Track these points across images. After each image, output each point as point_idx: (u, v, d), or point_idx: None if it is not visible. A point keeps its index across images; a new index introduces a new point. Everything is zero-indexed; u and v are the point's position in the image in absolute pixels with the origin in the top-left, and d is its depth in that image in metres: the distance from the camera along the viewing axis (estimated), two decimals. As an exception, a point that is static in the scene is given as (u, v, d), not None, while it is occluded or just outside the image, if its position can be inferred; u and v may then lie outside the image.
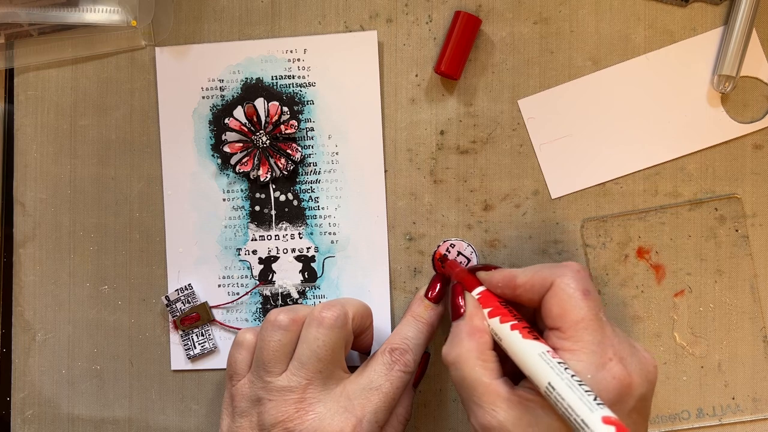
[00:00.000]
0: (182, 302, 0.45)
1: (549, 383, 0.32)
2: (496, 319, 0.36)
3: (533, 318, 0.38)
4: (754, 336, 0.43)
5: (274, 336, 0.38)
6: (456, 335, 0.36)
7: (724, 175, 0.43)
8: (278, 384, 0.38)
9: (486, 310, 0.37)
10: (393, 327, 0.44)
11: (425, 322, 0.41)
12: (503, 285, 0.37)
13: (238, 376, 0.40)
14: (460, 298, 0.38)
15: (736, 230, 0.43)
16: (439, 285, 0.42)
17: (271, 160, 0.44)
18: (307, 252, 0.45)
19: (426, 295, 0.42)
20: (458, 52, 0.43)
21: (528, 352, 0.33)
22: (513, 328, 0.35)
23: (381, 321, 0.44)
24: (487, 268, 0.39)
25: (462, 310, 0.37)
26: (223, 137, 0.45)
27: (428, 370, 0.44)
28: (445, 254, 0.44)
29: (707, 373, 0.43)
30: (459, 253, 0.44)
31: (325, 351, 0.38)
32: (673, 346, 0.43)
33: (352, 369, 0.40)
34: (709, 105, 0.43)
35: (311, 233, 0.45)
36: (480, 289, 0.38)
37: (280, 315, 0.39)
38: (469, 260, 0.44)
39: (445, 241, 0.44)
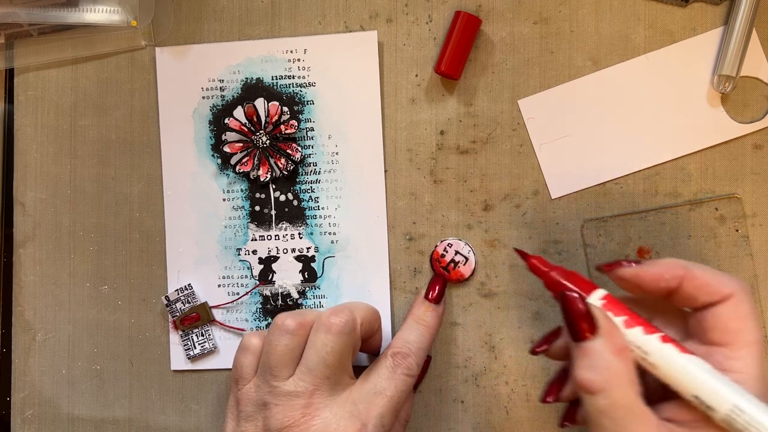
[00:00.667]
0: (182, 302, 0.45)
1: (736, 405, 0.28)
2: (637, 330, 0.31)
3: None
4: (754, 336, 0.43)
5: (282, 340, 0.38)
6: (596, 356, 0.30)
7: (724, 175, 0.43)
8: (285, 389, 0.37)
9: (619, 319, 0.31)
10: (393, 327, 0.44)
11: (426, 325, 0.41)
12: (670, 277, 0.31)
13: (244, 380, 0.39)
14: (581, 305, 0.31)
15: (737, 230, 0.43)
16: (438, 286, 0.42)
17: (271, 160, 0.44)
18: (307, 252, 0.45)
19: (426, 296, 0.42)
20: (458, 52, 0.43)
21: (692, 371, 0.29)
22: (664, 340, 0.30)
23: (381, 321, 0.44)
24: (618, 264, 0.33)
25: (595, 324, 0.31)
26: (223, 137, 0.45)
27: (429, 371, 0.44)
28: (442, 254, 0.44)
29: (707, 373, 0.43)
30: (457, 252, 0.44)
31: (333, 357, 0.37)
32: (673, 346, 0.43)
33: (360, 369, 0.40)
34: (709, 105, 0.43)
35: (311, 233, 0.45)
36: (601, 293, 0.32)
37: (287, 319, 0.39)
38: (467, 259, 0.44)
39: (442, 241, 0.44)
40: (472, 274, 0.44)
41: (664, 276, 0.32)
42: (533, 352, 0.37)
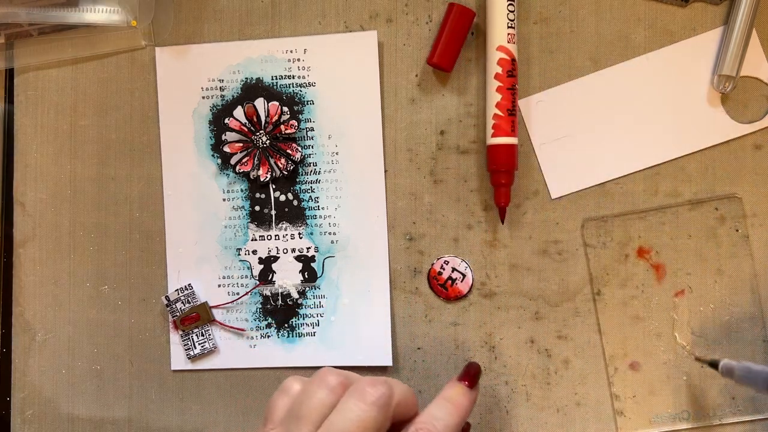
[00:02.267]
0: (182, 302, 0.45)
1: None
2: None
3: None
4: (754, 336, 0.43)
5: (318, 394, 0.35)
6: None
7: (724, 175, 0.43)
8: None
9: None
10: (393, 327, 0.44)
11: (456, 405, 0.38)
12: None
13: (272, 423, 0.36)
14: None
15: (737, 230, 0.43)
16: (473, 371, 0.39)
17: (271, 160, 0.44)
18: (307, 252, 0.45)
19: (460, 380, 0.39)
20: (451, 43, 0.43)
21: None
22: None
23: (381, 321, 0.44)
24: None
25: None
26: (223, 137, 0.45)
27: (429, 371, 0.44)
28: (439, 272, 0.44)
29: (707, 374, 0.43)
30: (454, 269, 0.44)
31: (358, 428, 0.34)
32: (674, 346, 0.43)
33: None
34: (709, 105, 0.43)
35: (311, 233, 0.45)
36: None
37: (330, 375, 0.36)
38: (464, 276, 0.44)
39: (438, 259, 0.44)
40: (470, 290, 0.44)
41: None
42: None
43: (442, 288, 0.44)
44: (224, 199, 0.45)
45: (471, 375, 0.39)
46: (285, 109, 0.44)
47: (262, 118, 0.44)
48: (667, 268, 0.43)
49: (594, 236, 0.44)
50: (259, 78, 0.45)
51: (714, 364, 0.41)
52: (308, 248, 0.45)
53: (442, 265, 0.44)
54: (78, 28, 0.45)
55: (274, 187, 0.45)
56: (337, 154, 0.44)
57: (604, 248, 0.44)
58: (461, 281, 0.44)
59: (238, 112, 0.44)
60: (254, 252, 0.45)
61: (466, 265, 0.44)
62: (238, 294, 0.45)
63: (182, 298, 0.45)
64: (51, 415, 0.46)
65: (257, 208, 0.45)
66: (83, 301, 0.46)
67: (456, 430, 0.37)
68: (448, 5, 0.43)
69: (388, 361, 0.44)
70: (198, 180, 0.45)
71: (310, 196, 0.45)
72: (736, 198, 0.43)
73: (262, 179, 0.44)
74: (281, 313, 0.45)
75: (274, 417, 0.37)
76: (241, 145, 0.45)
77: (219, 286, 0.45)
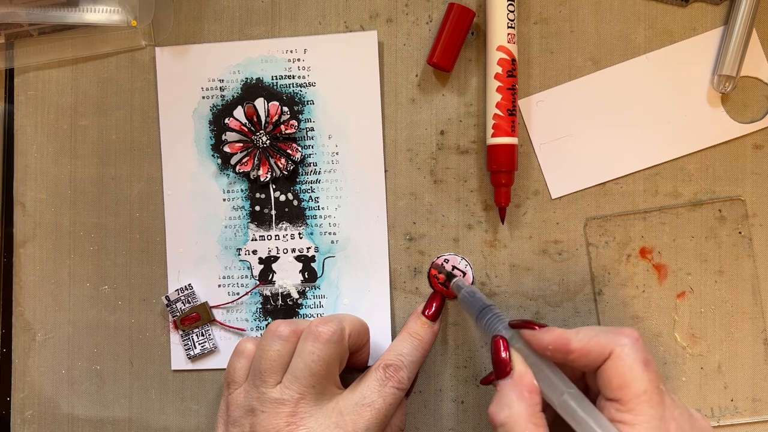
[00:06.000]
0: (182, 302, 0.45)
1: None
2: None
3: (581, 379, 0.37)
4: (755, 337, 0.43)
5: (273, 345, 0.38)
6: (504, 395, 0.34)
7: (725, 175, 0.43)
8: (271, 396, 0.37)
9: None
10: (393, 327, 0.44)
11: (421, 340, 0.41)
12: (554, 349, 0.34)
13: (236, 384, 0.39)
14: (504, 353, 0.35)
15: (739, 232, 0.43)
16: (436, 303, 0.42)
17: (271, 160, 0.44)
18: (307, 252, 0.45)
19: (423, 312, 0.42)
20: (451, 43, 0.43)
21: (586, 422, 0.32)
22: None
23: (381, 321, 0.44)
24: (529, 325, 0.36)
25: (508, 368, 0.35)
26: (223, 137, 0.45)
27: (429, 370, 0.44)
28: (440, 270, 0.44)
29: (707, 374, 0.43)
30: (454, 267, 0.44)
31: (320, 366, 0.37)
32: (674, 347, 0.43)
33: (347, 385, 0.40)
34: (709, 105, 0.43)
35: (311, 233, 0.45)
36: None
37: (281, 326, 0.39)
38: (464, 273, 0.44)
39: (439, 257, 0.44)
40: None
41: (546, 354, 0.34)
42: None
43: (443, 287, 0.44)
44: (224, 199, 0.45)
45: (434, 309, 0.42)
46: (285, 109, 0.44)
47: (262, 118, 0.44)
48: (668, 269, 0.43)
49: (596, 235, 0.44)
50: (259, 78, 0.45)
51: (449, 277, 0.43)
52: (308, 248, 0.45)
53: (442, 263, 0.44)
54: (78, 28, 0.45)
55: (274, 187, 0.45)
56: (337, 154, 0.44)
57: (606, 247, 0.44)
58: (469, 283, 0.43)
59: (238, 112, 0.44)
60: (254, 252, 0.45)
61: (467, 263, 0.44)
62: (238, 294, 0.45)
63: (182, 298, 0.45)
64: (51, 415, 0.46)
65: (257, 208, 0.45)
66: (83, 301, 0.46)
67: (420, 362, 0.41)
68: (448, 5, 0.43)
69: (388, 361, 0.44)
70: (198, 180, 0.45)
71: (310, 196, 0.45)
72: (740, 200, 0.43)
73: (262, 179, 0.44)
74: (281, 313, 0.45)
75: (236, 378, 0.40)
76: (241, 145, 0.45)
77: (219, 286, 0.45)
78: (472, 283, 0.44)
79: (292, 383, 0.37)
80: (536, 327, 0.35)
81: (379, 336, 0.44)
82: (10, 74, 0.46)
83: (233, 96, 0.45)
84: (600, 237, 0.44)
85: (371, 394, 0.38)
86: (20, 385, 0.46)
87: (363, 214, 0.44)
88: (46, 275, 0.46)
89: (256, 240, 0.45)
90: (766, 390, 0.43)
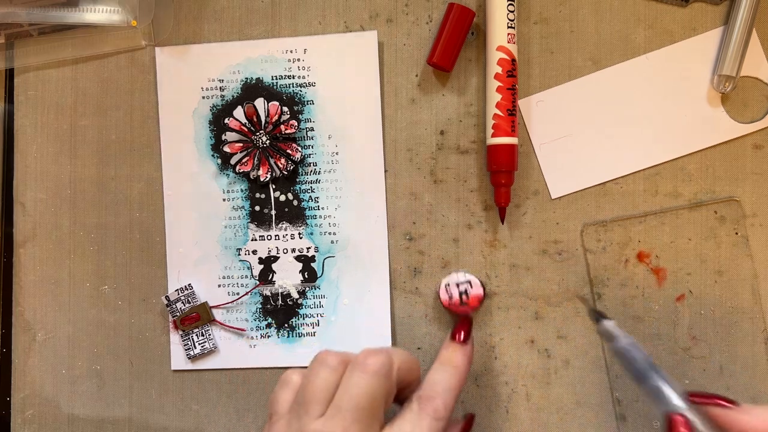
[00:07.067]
0: (182, 302, 0.45)
1: None
2: None
3: None
4: (755, 337, 0.43)
5: (321, 374, 0.36)
6: None
7: (724, 175, 0.43)
8: (313, 428, 0.34)
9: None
10: (393, 327, 0.44)
11: (454, 365, 0.39)
12: None
13: (278, 415, 0.37)
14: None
15: (736, 233, 0.43)
16: (464, 328, 0.40)
17: (271, 160, 0.44)
18: (307, 252, 0.45)
19: (453, 338, 0.40)
20: (451, 44, 0.43)
21: None
22: None
23: (381, 321, 0.44)
24: (714, 400, 0.31)
25: None
26: (223, 137, 0.45)
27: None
28: (450, 295, 0.43)
29: (709, 377, 0.43)
30: (458, 284, 0.42)
31: (366, 399, 0.35)
32: (675, 349, 0.43)
33: None
34: (709, 105, 0.43)
35: (311, 233, 0.45)
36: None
37: (329, 355, 0.37)
38: (469, 282, 0.43)
39: (438, 288, 0.43)
40: (484, 290, 0.43)
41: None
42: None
43: (463, 305, 0.43)
44: (224, 199, 0.45)
45: (463, 334, 0.40)
46: (285, 109, 0.44)
47: (262, 118, 0.44)
48: (667, 271, 0.43)
49: (593, 240, 0.44)
50: (259, 78, 0.45)
51: (597, 318, 0.38)
52: (308, 248, 0.45)
53: (446, 290, 0.43)
54: (78, 28, 0.45)
55: (274, 187, 0.45)
56: (337, 154, 0.44)
57: (603, 252, 0.44)
58: (471, 287, 0.43)
59: (238, 112, 0.44)
60: (254, 252, 0.45)
61: (464, 272, 0.43)
62: (238, 294, 0.45)
63: (182, 298, 0.45)
64: (51, 415, 0.46)
65: (257, 208, 0.45)
66: (83, 301, 0.46)
67: (458, 389, 0.38)
68: (448, 5, 0.43)
69: (388, 361, 0.44)
70: (198, 180, 0.45)
71: (310, 196, 0.45)
72: (735, 201, 0.43)
73: (262, 179, 0.44)
74: (281, 313, 0.45)
75: (279, 409, 0.37)
76: (241, 145, 0.45)
77: (219, 286, 0.45)
78: (484, 293, 0.43)
79: (336, 416, 0.34)
80: (724, 403, 0.31)
81: (379, 336, 0.44)
82: (10, 74, 0.46)
83: (233, 96, 0.45)
84: (598, 242, 0.44)
85: (407, 427, 0.35)
86: (20, 384, 0.46)
87: (363, 214, 0.44)
88: (46, 275, 0.46)
89: (256, 240, 0.45)
90: (767, 390, 0.43)
